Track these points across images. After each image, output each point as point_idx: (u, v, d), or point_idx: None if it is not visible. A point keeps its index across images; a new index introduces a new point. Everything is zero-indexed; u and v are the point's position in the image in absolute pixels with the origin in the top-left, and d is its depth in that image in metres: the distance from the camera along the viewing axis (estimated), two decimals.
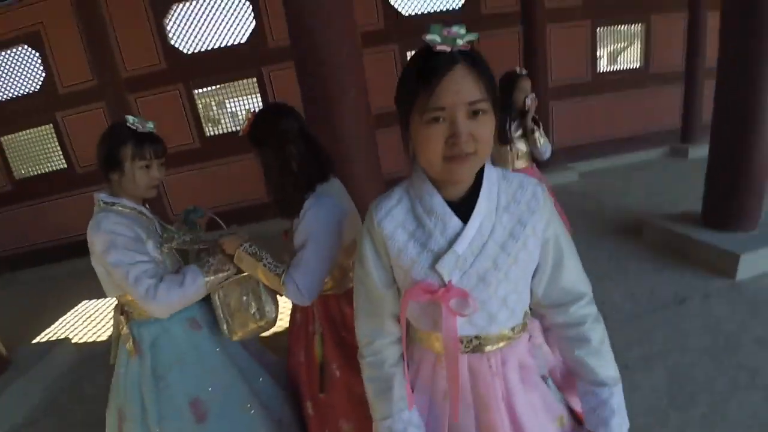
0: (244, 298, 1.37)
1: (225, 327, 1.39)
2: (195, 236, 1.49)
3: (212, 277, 1.33)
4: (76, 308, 4.16)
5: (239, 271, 1.37)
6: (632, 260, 3.21)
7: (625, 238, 3.64)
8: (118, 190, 1.34)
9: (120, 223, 1.26)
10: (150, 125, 1.33)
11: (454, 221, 0.76)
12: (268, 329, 1.44)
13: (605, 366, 0.85)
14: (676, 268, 2.98)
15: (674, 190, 4.79)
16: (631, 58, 6.59)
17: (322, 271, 1.25)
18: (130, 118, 1.30)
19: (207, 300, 1.46)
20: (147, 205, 1.44)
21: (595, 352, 0.85)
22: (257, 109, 1.32)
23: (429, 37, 0.67)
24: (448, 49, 0.67)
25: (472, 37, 0.68)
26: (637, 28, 6.31)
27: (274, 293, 1.40)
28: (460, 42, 0.67)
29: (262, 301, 1.37)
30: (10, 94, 5.27)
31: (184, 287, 1.27)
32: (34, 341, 3.56)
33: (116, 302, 1.40)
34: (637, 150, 6.58)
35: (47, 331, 3.78)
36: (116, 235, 1.23)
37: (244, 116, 5.82)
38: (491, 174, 0.79)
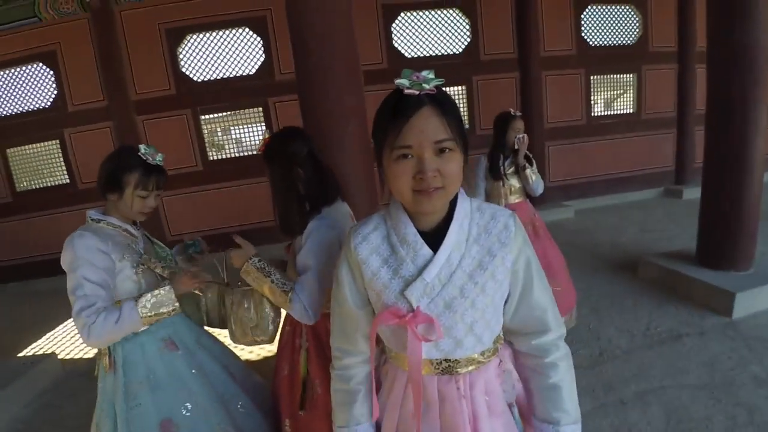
0: (247, 309, 1.39)
1: (230, 332, 1.42)
2: (167, 264, 1.46)
3: (148, 312, 1.27)
4: (65, 324, 4.06)
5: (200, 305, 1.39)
6: (628, 296, 3.20)
7: (620, 275, 3.65)
8: (111, 209, 1.36)
9: (93, 248, 1.24)
10: (159, 158, 1.36)
11: (425, 250, 0.80)
12: (264, 344, 1.45)
13: (560, 405, 0.84)
14: (671, 305, 2.97)
15: (669, 229, 4.85)
16: (624, 104, 6.85)
17: (326, 291, 1.27)
18: (143, 148, 1.33)
19: (187, 321, 1.47)
20: (138, 223, 1.44)
21: (551, 387, 0.84)
22: (274, 132, 1.40)
23: (399, 81, 0.73)
24: (416, 92, 0.72)
25: (438, 82, 0.73)
26: (629, 77, 6.61)
27: (276, 310, 1.42)
28: (427, 86, 0.72)
29: (263, 317, 1.40)
30: (20, 109, 5.39)
31: (119, 324, 1.22)
32: (20, 354, 3.47)
33: None
34: (633, 190, 6.74)
35: (34, 345, 3.68)
36: (83, 260, 1.22)
37: (248, 142, 5.95)
38: (464, 206, 0.83)
